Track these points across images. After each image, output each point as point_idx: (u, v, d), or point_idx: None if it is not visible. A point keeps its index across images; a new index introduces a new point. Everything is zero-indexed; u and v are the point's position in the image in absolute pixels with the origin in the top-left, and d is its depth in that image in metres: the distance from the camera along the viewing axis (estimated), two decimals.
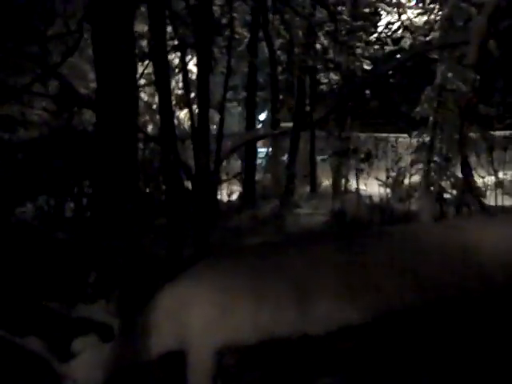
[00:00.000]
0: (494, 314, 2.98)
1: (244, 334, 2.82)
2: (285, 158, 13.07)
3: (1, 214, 6.66)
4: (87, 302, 4.09)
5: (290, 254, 3.23)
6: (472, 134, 8.61)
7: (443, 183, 8.22)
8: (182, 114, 12.03)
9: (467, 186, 6.98)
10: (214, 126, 10.43)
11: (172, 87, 10.76)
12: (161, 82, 6.44)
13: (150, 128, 10.94)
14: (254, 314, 2.85)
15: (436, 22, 11.57)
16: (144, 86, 11.24)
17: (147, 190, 8.77)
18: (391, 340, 2.92)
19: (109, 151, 6.37)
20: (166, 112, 6.38)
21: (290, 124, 12.81)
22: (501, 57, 6.52)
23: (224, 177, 10.93)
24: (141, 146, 8.10)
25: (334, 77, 13.45)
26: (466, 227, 3.41)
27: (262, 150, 15.34)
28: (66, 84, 6.64)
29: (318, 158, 13.64)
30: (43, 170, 7.18)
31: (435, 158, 8.69)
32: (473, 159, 7.95)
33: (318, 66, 13.38)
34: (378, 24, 12.83)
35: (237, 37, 13.09)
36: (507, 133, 9.26)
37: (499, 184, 8.67)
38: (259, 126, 17.03)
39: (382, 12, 12.85)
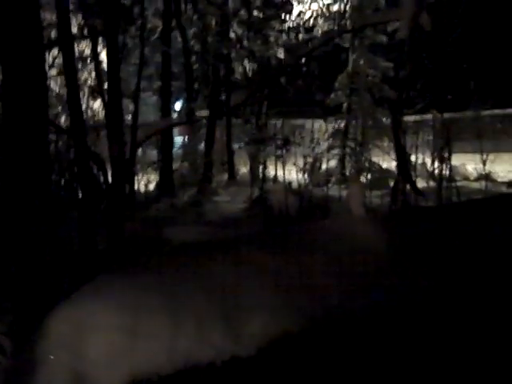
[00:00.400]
0: None
1: (158, 362, 2.39)
2: (202, 146, 13.01)
3: None
4: None
5: (213, 260, 2.82)
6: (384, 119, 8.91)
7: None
8: (96, 104, 11.66)
9: (403, 172, 7.09)
10: (130, 116, 10.21)
11: (85, 77, 10.46)
12: (68, 72, 6.23)
13: (63, 119, 10.53)
14: (171, 337, 2.43)
15: (346, 11, 11.92)
16: (56, 75, 10.79)
17: (62, 183, 8.45)
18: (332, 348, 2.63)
19: (17, 145, 6.10)
20: (75, 102, 6.18)
21: (206, 112, 12.74)
22: (433, 31, 6.66)
23: (140, 167, 10.73)
24: (53, 138, 7.80)
25: (248, 65, 13.50)
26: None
27: (178, 139, 15.19)
28: None
29: (235, 145, 13.67)
30: None
31: (350, 143, 8.94)
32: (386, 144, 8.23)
33: (233, 55, 13.37)
34: (292, 13, 12.98)
35: (149, 26, 12.87)
36: (418, 117, 9.61)
37: (412, 167, 8.99)
38: (175, 115, 16.83)
39: (293, 1, 13.03)
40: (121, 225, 5.96)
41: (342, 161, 11.18)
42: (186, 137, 14.09)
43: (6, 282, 4.13)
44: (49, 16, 9.21)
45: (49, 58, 8.98)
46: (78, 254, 5.49)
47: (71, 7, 7.79)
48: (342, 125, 11.89)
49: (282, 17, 13.06)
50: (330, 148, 9.29)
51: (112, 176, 5.87)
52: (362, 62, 11.66)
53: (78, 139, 6.04)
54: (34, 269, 4.43)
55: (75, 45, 9.01)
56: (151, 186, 11.36)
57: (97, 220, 5.84)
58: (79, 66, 9.50)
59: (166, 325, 2.47)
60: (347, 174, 10.29)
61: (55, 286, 3.84)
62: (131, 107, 10.37)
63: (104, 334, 2.43)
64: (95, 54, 7.71)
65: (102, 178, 6.52)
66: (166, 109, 12.35)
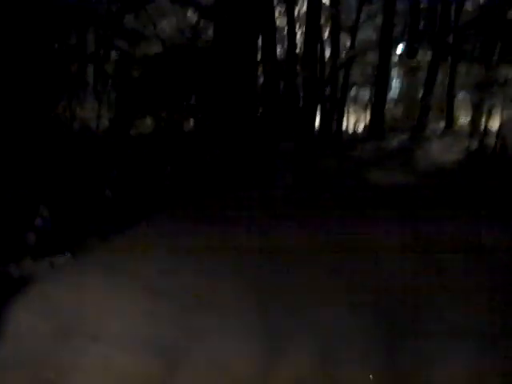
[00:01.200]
0: None
1: None
2: (420, 91, 12.13)
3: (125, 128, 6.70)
4: None
5: None
6: None
7: None
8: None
9: None
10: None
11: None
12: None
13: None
14: None
15: None
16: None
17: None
18: None
19: (228, 69, 6.16)
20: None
21: (429, 55, 11.80)
22: None
23: (351, 106, 10.37)
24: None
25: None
26: None
27: (395, 83, 14.44)
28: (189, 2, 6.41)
29: (457, 92, 12.50)
30: (164, 85, 7.09)
31: None
32: None
33: None
34: None
35: None
36: None
37: None
38: (395, 59, 15.98)
39: None
40: (310, 160, 5.73)
41: None
42: (403, 80, 13.32)
43: None
44: None
45: None
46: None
47: None
48: None
49: None
50: None
51: (303, 100, 5.64)
52: None
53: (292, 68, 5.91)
54: None
55: None
56: (360, 127, 10.99)
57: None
58: None
59: None
60: None
61: None
62: (348, 42, 9.99)
63: None
64: None
65: None
66: (387, 46, 11.65)
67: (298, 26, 9.42)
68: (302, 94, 7.24)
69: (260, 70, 7.72)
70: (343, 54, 9.86)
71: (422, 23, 12.73)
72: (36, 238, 3.56)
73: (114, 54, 7.36)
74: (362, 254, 2.90)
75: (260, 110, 7.37)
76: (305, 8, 10.57)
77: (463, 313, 2.43)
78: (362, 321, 2.36)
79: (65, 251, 3.42)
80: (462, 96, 12.09)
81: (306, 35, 7.06)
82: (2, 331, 2.31)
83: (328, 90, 9.16)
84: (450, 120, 12.22)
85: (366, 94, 11.84)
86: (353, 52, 7.45)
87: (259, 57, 7.09)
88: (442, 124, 12.20)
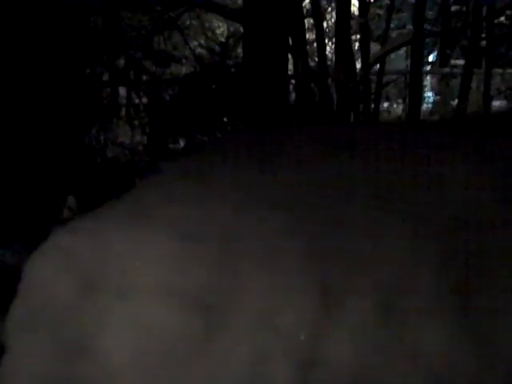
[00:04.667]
0: None
1: None
2: (454, 102, 11.85)
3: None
4: None
5: None
6: None
7: None
8: None
9: None
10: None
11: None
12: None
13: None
14: None
15: None
16: None
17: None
18: None
19: (259, 86, 6.08)
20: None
21: (462, 62, 11.57)
22: None
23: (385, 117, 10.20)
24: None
25: None
26: None
27: (429, 95, 14.18)
28: (216, 8, 6.37)
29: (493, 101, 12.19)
30: (195, 105, 7.06)
31: None
32: None
33: None
34: None
35: None
36: None
37: None
38: (427, 67, 15.75)
39: None
40: None
41: None
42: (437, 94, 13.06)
43: None
44: None
45: None
46: None
47: None
48: None
49: None
50: None
51: (337, 109, 5.54)
52: None
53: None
54: None
55: None
56: None
57: None
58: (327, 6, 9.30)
59: None
60: None
61: None
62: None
63: None
64: None
65: None
66: (418, 56, 11.44)
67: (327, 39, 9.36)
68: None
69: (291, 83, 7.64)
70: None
71: (453, 29, 12.49)
72: None
73: (144, 77, 7.37)
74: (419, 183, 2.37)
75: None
76: (333, 19, 10.48)
77: None
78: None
79: None
80: (498, 102, 11.80)
81: (337, 46, 6.93)
82: (18, 288, 2.03)
83: (361, 103, 9.01)
84: None
85: (399, 106, 11.64)
86: (383, 49, 7.32)
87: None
88: None
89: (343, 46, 6.13)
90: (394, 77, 11.69)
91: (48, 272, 1.98)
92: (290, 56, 6.71)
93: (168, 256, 1.95)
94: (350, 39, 6.44)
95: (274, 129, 4.00)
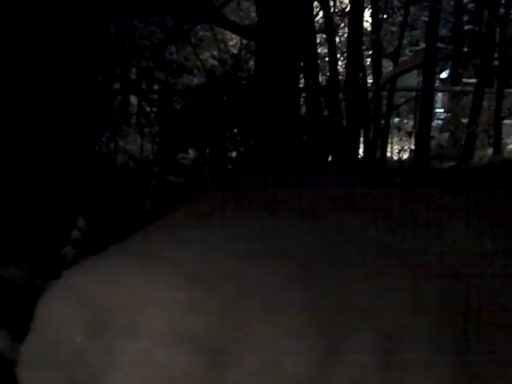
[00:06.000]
0: None
1: None
2: (465, 119, 11.84)
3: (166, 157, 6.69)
4: None
5: None
6: None
7: None
8: None
9: None
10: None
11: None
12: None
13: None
14: None
15: None
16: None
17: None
18: None
19: (270, 99, 6.10)
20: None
21: (474, 81, 11.55)
22: None
23: (395, 135, 10.20)
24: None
25: None
26: None
27: (440, 111, 14.19)
28: (229, 25, 6.40)
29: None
30: (206, 116, 7.09)
31: None
32: None
33: None
34: None
35: None
36: None
37: None
38: (439, 84, 15.75)
39: None
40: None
41: None
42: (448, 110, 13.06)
43: None
44: None
45: None
46: None
47: None
48: None
49: None
50: None
51: (347, 125, 5.53)
52: None
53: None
54: None
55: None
56: (405, 156, 10.77)
57: None
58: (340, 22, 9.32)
59: None
60: None
61: None
62: (390, 67, 9.85)
63: None
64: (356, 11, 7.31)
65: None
66: (429, 74, 11.46)
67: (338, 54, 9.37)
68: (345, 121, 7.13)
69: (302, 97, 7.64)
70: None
71: (465, 47, 12.51)
72: (73, 252, 3.46)
73: (155, 86, 7.41)
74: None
75: (304, 138, 7.27)
76: (345, 35, 10.51)
77: None
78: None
79: None
80: (510, 121, 11.77)
81: (348, 61, 6.96)
82: (30, 324, 2.04)
83: (371, 118, 9.02)
84: (498, 146, 11.87)
85: (409, 122, 11.63)
86: (394, 71, 7.33)
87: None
88: (490, 151, 11.85)
89: (354, 63, 6.13)
90: (405, 93, 11.68)
91: (60, 311, 2.02)
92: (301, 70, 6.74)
93: (178, 299, 2.01)
94: (362, 55, 6.44)
95: (287, 174, 4.10)
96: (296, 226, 2.52)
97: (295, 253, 2.26)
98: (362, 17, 6.79)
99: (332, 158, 7.02)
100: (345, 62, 9.50)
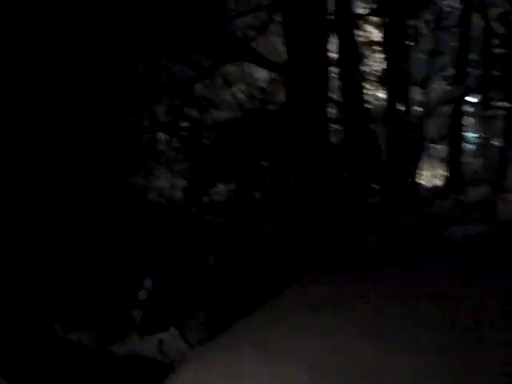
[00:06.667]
0: None
1: None
2: (497, 142, 11.67)
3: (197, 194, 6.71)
4: None
5: None
6: None
7: None
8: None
9: None
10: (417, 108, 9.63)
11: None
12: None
13: None
14: None
15: None
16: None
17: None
18: None
19: (299, 132, 6.10)
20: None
21: (505, 104, 11.37)
22: None
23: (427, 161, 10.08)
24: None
25: None
26: None
27: (472, 135, 14.01)
28: (262, 61, 6.46)
29: None
30: (236, 151, 7.10)
31: None
32: None
33: None
34: None
35: (447, 9, 12.00)
36: None
37: None
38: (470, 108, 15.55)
39: None
40: (394, 219, 5.49)
41: None
42: (480, 134, 12.90)
43: None
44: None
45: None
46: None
47: None
48: None
49: None
50: None
51: (388, 158, 5.48)
52: None
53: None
54: None
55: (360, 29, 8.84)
56: (438, 182, 10.64)
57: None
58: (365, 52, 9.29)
59: None
60: None
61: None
62: (419, 95, 9.78)
63: None
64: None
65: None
66: (459, 98, 11.36)
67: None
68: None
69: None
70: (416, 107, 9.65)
71: (496, 71, 12.35)
72: (141, 313, 3.47)
73: (185, 123, 7.47)
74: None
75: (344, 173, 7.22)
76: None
77: None
78: None
79: (170, 326, 3.29)
80: None
81: (389, 93, 6.91)
82: None
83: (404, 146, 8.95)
84: None
85: (441, 148, 11.52)
86: (428, 107, 7.27)
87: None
88: None
89: (394, 94, 6.09)
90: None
91: None
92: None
93: None
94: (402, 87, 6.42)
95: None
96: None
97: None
98: (399, 49, 6.74)
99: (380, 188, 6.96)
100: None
